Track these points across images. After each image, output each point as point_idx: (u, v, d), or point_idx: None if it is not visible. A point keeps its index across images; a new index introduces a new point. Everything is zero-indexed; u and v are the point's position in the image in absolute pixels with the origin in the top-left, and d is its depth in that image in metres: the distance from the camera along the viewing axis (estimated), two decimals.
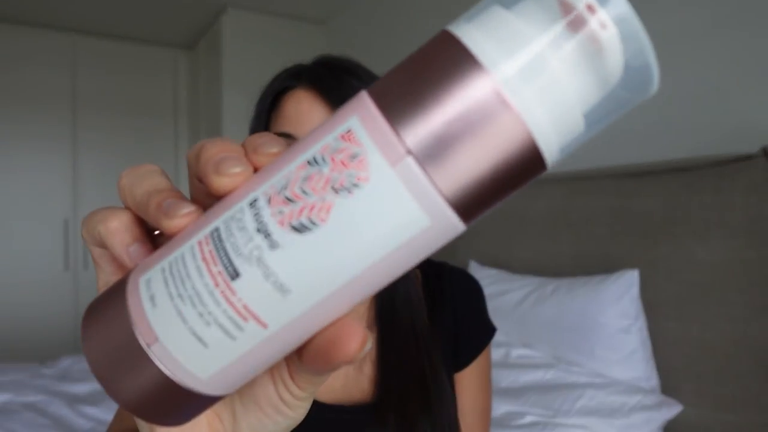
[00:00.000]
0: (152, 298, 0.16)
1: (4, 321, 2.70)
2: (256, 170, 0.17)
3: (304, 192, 0.15)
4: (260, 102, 0.58)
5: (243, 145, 0.18)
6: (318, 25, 2.87)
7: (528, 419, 1.01)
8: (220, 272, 0.15)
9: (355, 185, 0.14)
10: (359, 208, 0.14)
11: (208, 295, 0.15)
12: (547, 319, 1.22)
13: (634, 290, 1.11)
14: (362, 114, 0.15)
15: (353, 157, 0.14)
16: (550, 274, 1.35)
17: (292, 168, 0.15)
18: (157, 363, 0.16)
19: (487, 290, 1.38)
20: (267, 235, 0.15)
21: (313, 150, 0.15)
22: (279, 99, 0.56)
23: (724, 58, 1.16)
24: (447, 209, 0.15)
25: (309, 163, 0.15)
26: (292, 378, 0.20)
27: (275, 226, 0.15)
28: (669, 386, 1.08)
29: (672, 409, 1.02)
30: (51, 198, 2.85)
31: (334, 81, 0.53)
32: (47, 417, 1.27)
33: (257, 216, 0.15)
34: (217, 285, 0.15)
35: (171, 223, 0.17)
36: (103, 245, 0.20)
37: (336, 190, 0.14)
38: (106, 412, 1.32)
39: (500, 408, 1.06)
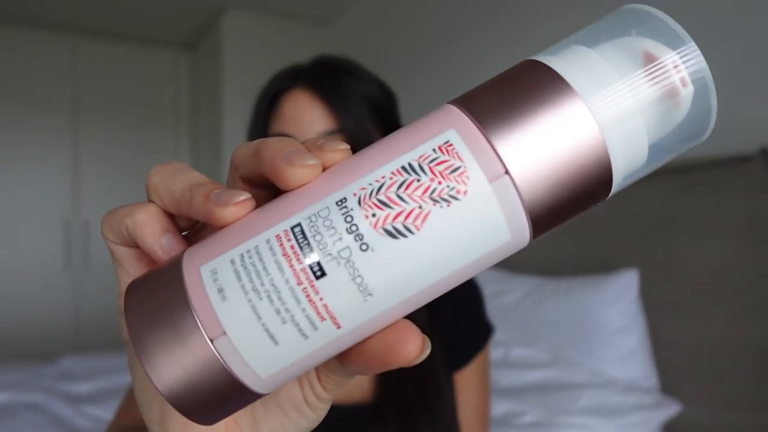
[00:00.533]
0: (221, 291, 0.15)
1: (5, 320, 2.71)
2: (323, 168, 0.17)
3: (400, 198, 0.15)
4: (259, 102, 0.58)
5: (303, 143, 0.18)
6: (318, 25, 2.87)
7: (527, 419, 1.01)
8: (303, 270, 0.15)
9: (454, 197, 0.15)
10: (454, 220, 0.15)
11: (288, 292, 0.15)
12: (546, 319, 1.22)
13: (634, 290, 1.11)
14: (460, 128, 0.16)
15: (454, 170, 0.15)
16: (550, 273, 1.35)
17: (386, 172, 0.15)
18: (220, 358, 0.15)
19: (487, 290, 1.38)
20: (359, 236, 0.15)
21: (408, 157, 0.15)
22: (277, 99, 0.56)
23: (724, 58, 1.16)
24: (527, 227, 0.16)
25: (405, 169, 0.15)
26: (319, 379, 0.20)
27: (368, 228, 0.15)
28: (668, 386, 1.08)
29: (671, 409, 1.02)
30: (51, 198, 2.85)
31: (333, 81, 0.54)
32: (48, 416, 1.27)
33: (347, 216, 0.15)
34: (299, 283, 0.15)
35: (225, 212, 0.16)
36: (128, 242, 0.19)
37: (434, 200, 0.15)
38: (107, 411, 1.32)
39: (500, 407, 1.06)
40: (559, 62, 0.16)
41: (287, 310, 0.15)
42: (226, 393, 0.16)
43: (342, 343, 0.16)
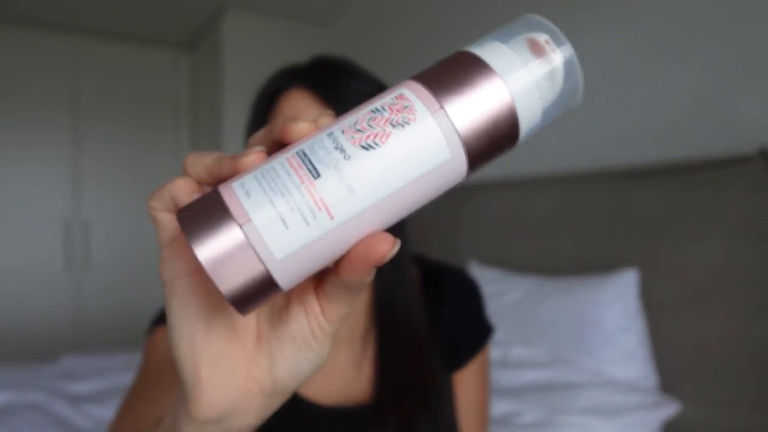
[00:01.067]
0: (247, 193, 0.21)
1: (5, 320, 2.71)
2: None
3: (370, 126, 0.21)
4: (257, 102, 0.58)
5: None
6: (318, 25, 2.87)
7: (527, 418, 1.01)
8: (305, 174, 0.21)
9: (407, 123, 0.21)
10: (407, 137, 0.21)
11: (295, 188, 0.20)
12: (546, 319, 1.22)
13: (634, 290, 1.11)
14: (409, 85, 0.23)
15: (405, 107, 0.22)
16: (550, 273, 1.35)
17: (359, 114, 0.22)
18: (248, 239, 0.20)
19: (487, 290, 1.38)
20: (342, 150, 0.21)
21: (375, 104, 0.22)
22: (275, 99, 0.56)
23: (724, 59, 1.16)
24: (462, 150, 0.22)
25: (372, 111, 0.22)
26: (322, 312, 0.24)
27: (349, 145, 0.21)
28: (668, 386, 1.08)
29: (671, 409, 1.02)
30: (51, 198, 2.85)
31: (330, 81, 0.54)
32: (48, 416, 1.27)
33: (335, 140, 0.21)
34: (302, 182, 0.20)
35: (247, 159, 0.22)
36: (170, 207, 0.24)
37: (393, 125, 0.21)
38: (108, 411, 1.32)
39: (500, 407, 1.06)
40: (483, 52, 0.23)
41: (294, 201, 0.20)
42: (251, 270, 0.20)
43: (339, 239, 0.21)
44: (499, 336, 1.31)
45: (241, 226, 0.20)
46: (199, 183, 0.24)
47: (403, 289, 0.59)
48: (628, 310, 1.10)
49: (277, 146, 0.24)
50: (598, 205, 1.27)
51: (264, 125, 0.56)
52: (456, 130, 0.21)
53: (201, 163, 0.24)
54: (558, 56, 0.23)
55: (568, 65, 0.23)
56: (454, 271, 0.67)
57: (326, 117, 0.24)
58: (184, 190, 0.23)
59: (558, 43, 0.24)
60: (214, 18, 2.74)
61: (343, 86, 0.53)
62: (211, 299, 0.24)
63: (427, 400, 0.55)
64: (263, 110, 0.57)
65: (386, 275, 0.60)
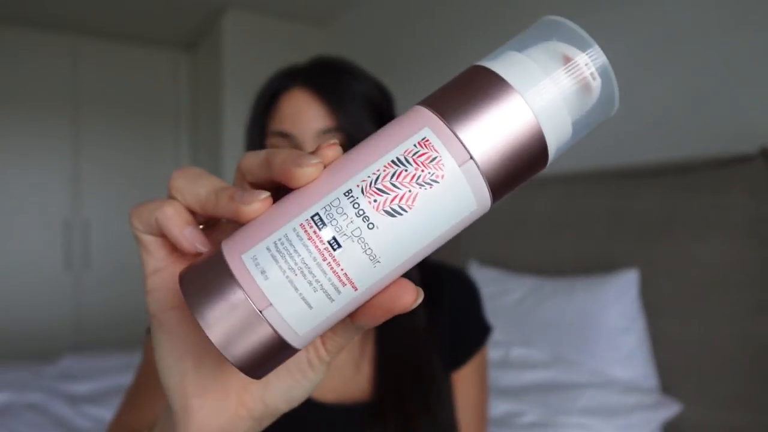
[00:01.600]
0: (263, 272, 0.19)
1: (5, 321, 2.71)
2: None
3: (394, 185, 0.19)
4: (257, 102, 0.58)
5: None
6: (318, 25, 2.87)
7: (528, 419, 1.01)
8: (326, 248, 0.19)
9: (435, 181, 0.19)
10: (436, 198, 0.20)
11: (316, 266, 0.19)
12: (547, 319, 1.22)
13: (634, 290, 1.11)
14: (432, 125, 0.20)
15: (432, 159, 0.20)
16: (550, 273, 1.35)
17: (380, 166, 0.20)
18: (269, 324, 0.19)
19: (487, 290, 1.38)
20: (365, 218, 0.19)
21: (396, 152, 0.20)
22: (276, 99, 0.56)
23: (724, 58, 1.16)
24: (488, 196, 0.21)
25: (395, 162, 0.20)
26: (323, 344, 0.24)
27: (372, 211, 0.19)
28: (669, 386, 1.08)
29: (672, 409, 1.02)
30: (51, 198, 2.85)
31: (331, 81, 0.54)
32: (48, 417, 1.27)
33: (354, 203, 0.19)
34: (324, 259, 0.19)
35: (249, 208, 0.20)
36: (155, 231, 0.22)
37: (420, 185, 0.19)
38: (107, 411, 1.32)
39: (500, 407, 1.06)
40: (499, 66, 0.21)
41: (317, 281, 0.19)
42: (273, 350, 0.20)
43: (358, 302, 0.20)
44: (499, 336, 1.30)
45: (261, 312, 0.19)
46: (189, 210, 0.22)
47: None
48: (629, 310, 1.09)
49: (274, 185, 0.22)
50: (598, 205, 1.27)
51: (264, 126, 0.56)
52: (485, 179, 0.20)
53: (192, 192, 0.22)
54: (585, 61, 0.21)
55: (599, 71, 0.21)
56: (453, 271, 0.67)
57: (333, 150, 0.21)
58: (175, 222, 0.21)
59: (584, 47, 0.21)
60: (214, 18, 2.74)
61: (343, 86, 0.53)
62: (201, 332, 0.23)
63: (427, 399, 0.55)
64: (263, 110, 0.57)
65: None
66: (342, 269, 0.19)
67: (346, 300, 0.20)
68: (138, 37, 3.02)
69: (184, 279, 0.20)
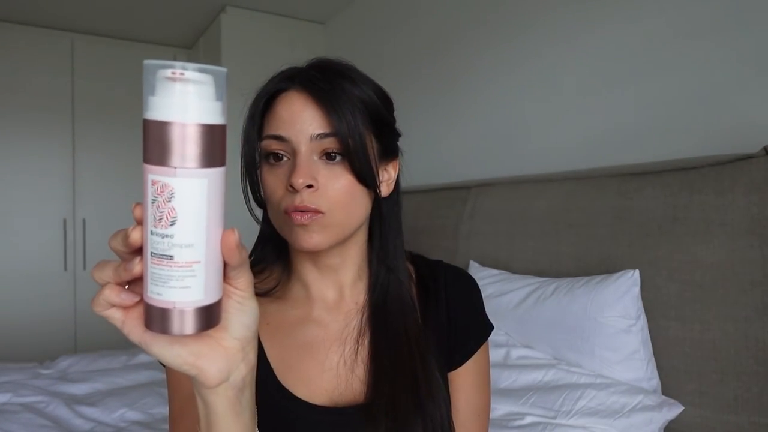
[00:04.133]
0: (159, 294, 0.32)
1: (4, 321, 2.70)
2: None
3: (160, 211, 0.31)
4: (254, 104, 0.58)
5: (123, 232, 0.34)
6: (317, 24, 2.87)
7: (528, 420, 1.01)
8: (167, 262, 0.32)
9: (173, 193, 0.31)
10: (183, 199, 0.31)
11: (173, 272, 0.32)
12: (547, 320, 1.21)
13: (635, 290, 1.10)
14: (149, 170, 0.32)
15: (162, 185, 0.31)
16: (551, 274, 1.34)
17: (152, 208, 0.32)
18: (183, 308, 0.33)
19: (488, 290, 1.38)
20: (165, 236, 0.32)
21: (150, 197, 0.32)
22: (272, 101, 0.56)
23: (725, 58, 1.16)
24: (208, 170, 0.32)
25: (152, 201, 0.31)
26: (235, 288, 0.36)
27: (165, 230, 0.31)
28: (670, 386, 1.07)
29: (673, 410, 1.02)
30: (51, 198, 2.84)
31: (327, 84, 0.54)
32: (46, 417, 1.27)
33: (157, 234, 0.32)
34: (170, 267, 0.32)
35: (135, 269, 0.33)
36: (108, 306, 0.35)
37: (169, 200, 0.31)
38: (105, 412, 1.32)
39: (500, 408, 1.05)
40: (151, 113, 0.31)
41: (180, 278, 0.32)
42: (201, 314, 0.33)
43: (211, 266, 0.33)
44: (500, 337, 1.30)
45: (176, 307, 0.33)
46: (117, 284, 0.35)
47: (397, 292, 0.60)
48: (630, 310, 1.09)
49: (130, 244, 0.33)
50: (599, 205, 1.26)
51: (260, 128, 0.57)
52: (194, 171, 0.31)
53: (105, 276, 0.34)
54: (187, 71, 0.31)
55: (200, 69, 0.31)
56: (450, 269, 0.66)
57: (137, 229, 0.33)
58: (114, 294, 0.34)
59: (181, 66, 0.31)
60: (212, 17, 2.73)
61: (339, 89, 0.53)
62: (177, 338, 0.36)
63: (420, 401, 0.55)
64: (260, 113, 0.57)
65: (381, 279, 0.60)
66: (183, 262, 0.32)
67: (203, 270, 0.32)
68: (137, 37, 3.02)
69: (148, 326, 0.34)
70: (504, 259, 1.51)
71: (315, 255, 0.58)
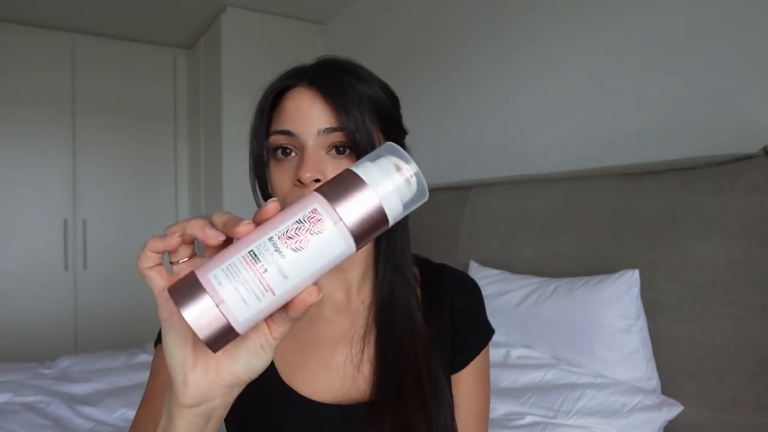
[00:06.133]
0: (219, 282, 0.31)
1: (4, 321, 2.70)
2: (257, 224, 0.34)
3: (296, 234, 0.33)
4: (262, 100, 0.58)
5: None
6: (317, 24, 2.87)
7: (528, 419, 1.01)
8: (257, 269, 0.32)
9: (320, 232, 0.33)
10: (321, 241, 0.33)
11: (251, 280, 0.31)
12: (547, 320, 1.21)
13: (635, 290, 1.10)
14: (318, 200, 0.34)
15: (318, 220, 0.33)
16: (551, 274, 1.34)
17: (289, 223, 0.33)
18: (223, 313, 0.31)
19: (488, 290, 1.38)
20: (280, 252, 0.32)
21: (299, 216, 0.33)
22: (280, 97, 0.57)
23: (725, 58, 1.16)
24: (353, 243, 0.34)
25: (297, 222, 0.33)
26: (270, 332, 0.37)
27: (284, 248, 0.32)
28: (670, 386, 1.07)
29: (673, 410, 1.02)
30: (51, 198, 2.85)
31: (335, 81, 0.54)
32: (46, 417, 1.27)
33: (274, 244, 0.32)
34: (255, 275, 0.31)
35: (240, 228, 0.33)
36: (155, 262, 0.36)
37: (311, 234, 0.33)
38: (106, 412, 1.32)
39: (500, 408, 1.05)
40: (359, 170, 0.35)
41: (251, 288, 0.31)
42: (225, 331, 0.32)
43: (277, 303, 0.33)
44: (499, 337, 1.30)
45: (217, 305, 0.31)
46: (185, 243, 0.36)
47: (404, 291, 0.60)
48: (629, 310, 1.09)
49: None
50: (599, 205, 1.27)
51: (268, 123, 0.57)
52: (350, 232, 0.33)
53: (192, 225, 0.35)
54: (409, 170, 0.36)
55: (416, 176, 0.36)
56: (455, 273, 0.67)
57: (249, 224, 0.33)
58: (198, 226, 0.34)
59: (408, 161, 0.36)
60: (213, 17, 2.73)
61: (347, 86, 0.54)
62: (192, 331, 0.35)
63: (425, 401, 0.55)
64: (268, 109, 0.57)
65: (387, 278, 0.61)
66: (266, 281, 0.32)
67: (269, 300, 0.32)
68: (137, 37, 3.02)
69: (172, 290, 0.32)
70: (504, 259, 1.51)
71: (349, 260, 0.59)
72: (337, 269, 0.59)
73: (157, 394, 0.57)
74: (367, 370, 0.58)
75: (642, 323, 1.09)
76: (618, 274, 1.13)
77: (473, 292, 0.67)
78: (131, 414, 1.31)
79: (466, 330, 0.64)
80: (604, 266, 1.21)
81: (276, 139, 0.55)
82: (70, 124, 2.89)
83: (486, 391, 0.65)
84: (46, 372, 1.60)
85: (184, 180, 3.21)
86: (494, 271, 1.48)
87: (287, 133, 0.54)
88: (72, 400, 1.37)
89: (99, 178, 2.96)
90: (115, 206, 3.00)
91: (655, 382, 1.08)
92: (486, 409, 0.65)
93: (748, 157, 0.99)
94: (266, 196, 0.59)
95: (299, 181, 0.51)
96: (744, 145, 1.06)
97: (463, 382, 0.63)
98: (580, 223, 1.30)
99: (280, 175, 0.55)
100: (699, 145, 1.18)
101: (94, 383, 1.50)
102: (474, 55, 1.90)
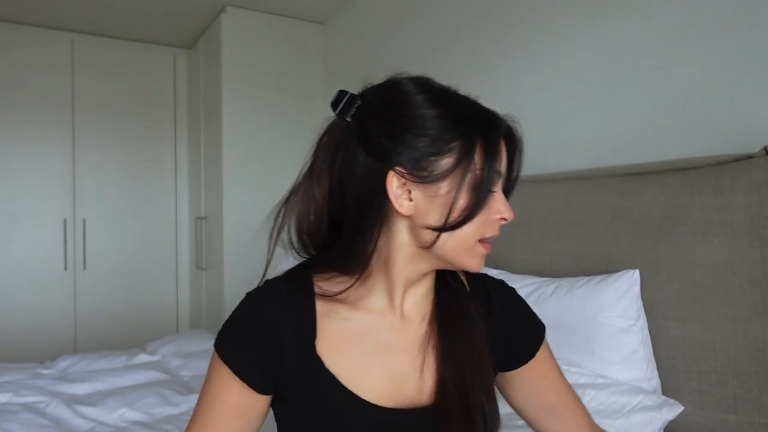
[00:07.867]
0: None
1: (4, 321, 2.70)
2: None
3: None
4: (494, 139, 0.63)
5: None
6: (317, 24, 2.87)
7: None
8: None
9: None
10: None
11: None
12: (547, 320, 1.20)
13: (635, 290, 1.10)
14: None
15: None
16: (551, 274, 1.34)
17: None
18: None
19: None
20: None
21: None
22: (500, 139, 0.64)
23: (725, 58, 1.16)
24: None
25: None
26: None
27: None
28: (670, 387, 1.07)
29: (673, 410, 1.02)
30: (51, 198, 2.84)
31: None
32: (46, 417, 1.27)
33: None
34: None
35: None
36: None
37: None
38: (105, 412, 1.32)
39: (500, 408, 1.05)
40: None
41: None
42: None
43: None
44: None
45: None
46: None
47: (460, 299, 0.65)
48: (630, 310, 1.09)
49: None
50: (599, 205, 1.26)
51: (494, 159, 0.62)
52: None
53: None
54: None
55: None
56: (496, 281, 0.73)
57: None
58: None
59: None
60: (213, 17, 2.73)
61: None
62: None
63: (482, 404, 0.59)
64: (498, 149, 0.63)
65: (447, 287, 0.65)
66: None
67: None
68: (137, 37, 3.01)
69: None
70: (504, 259, 1.51)
71: (426, 275, 0.63)
72: (421, 285, 0.63)
73: (219, 419, 0.59)
74: (428, 376, 0.62)
75: (642, 323, 1.09)
76: (618, 274, 1.13)
77: (516, 296, 0.74)
78: (131, 414, 1.31)
79: (524, 328, 0.71)
80: (604, 266, 1.21)
81: (496, 179, 0.64)
82: (69, 123, 2.89)
83: (560, 368, 0.73)
84: (45, 372, 1.60)
85: (184, 180, 3.21)
86: (495, 272, 1.48)
87: (500, 173, 0.64)
88: (71, 401, 1.37)
89: (99, 178, 2.96)
90: (115, 206, 3.00)
91: (655, 382, 1.07)
92: (567, 383, 0.73)
93: (749, 157, 0.99)
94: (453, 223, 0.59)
95: (505, 219, 0.63)
96: (744, 145, 1.06)
97: (540, 369, 0.70)
98: (580, 223, 1.30)
99: (486, 209, 0.61)
100: (699, 145, 1.17)
101: (93, 383, 1.50)
102: (474, 55, 1.90)
